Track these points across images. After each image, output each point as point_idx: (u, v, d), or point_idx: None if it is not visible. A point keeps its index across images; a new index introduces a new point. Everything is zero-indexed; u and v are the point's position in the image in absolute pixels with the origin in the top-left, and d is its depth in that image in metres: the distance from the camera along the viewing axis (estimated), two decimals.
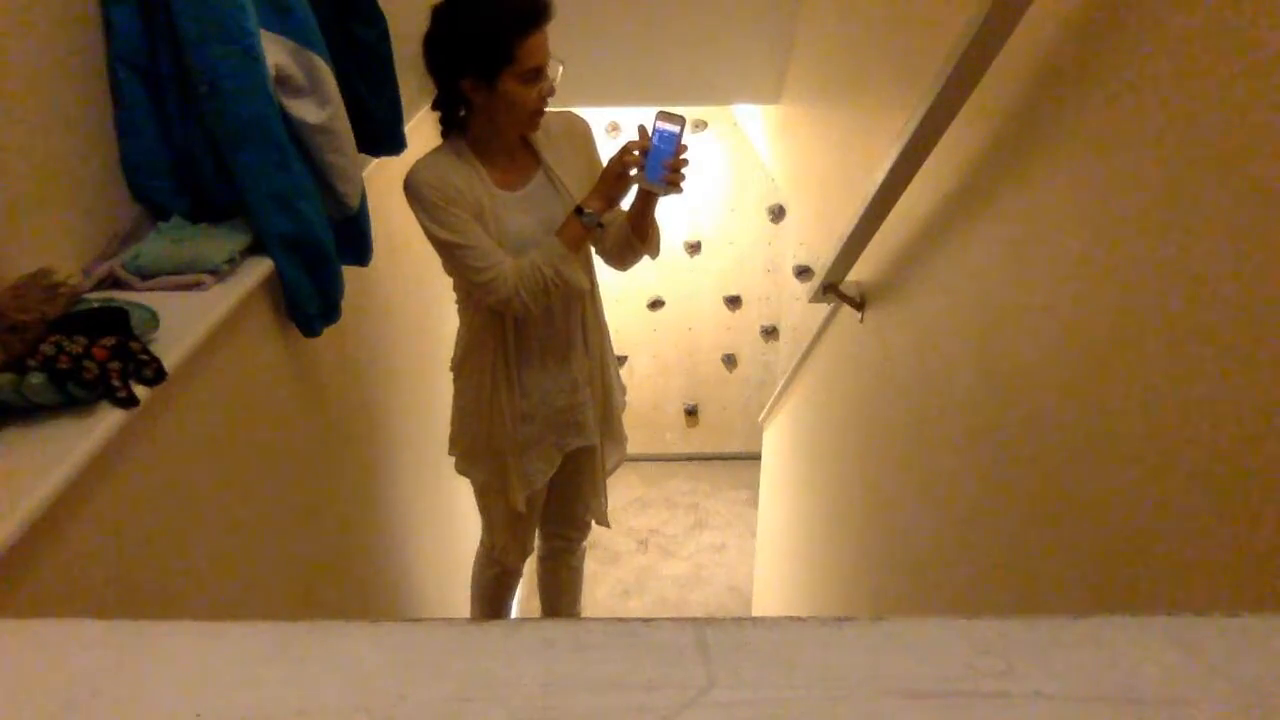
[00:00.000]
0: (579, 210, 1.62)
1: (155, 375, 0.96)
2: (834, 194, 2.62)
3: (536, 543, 2.30)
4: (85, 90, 1.16)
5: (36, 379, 0.87)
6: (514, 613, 2.96)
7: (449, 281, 1.79)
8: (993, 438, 1.33)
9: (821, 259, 2.15)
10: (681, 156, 1.56)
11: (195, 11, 1.16)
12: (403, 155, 1.86)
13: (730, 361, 5.54)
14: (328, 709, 0.38)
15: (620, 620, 0.42)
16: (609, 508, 2.18)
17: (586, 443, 1.97)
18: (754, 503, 4.59)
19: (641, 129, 1.59)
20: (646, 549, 4.93)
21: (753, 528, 4.63)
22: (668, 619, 0.42)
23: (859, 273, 2.06)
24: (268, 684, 0.39)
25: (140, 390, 0.94)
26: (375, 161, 1.89)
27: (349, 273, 1.57)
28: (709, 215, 5.15)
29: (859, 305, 2.09)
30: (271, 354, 1.43)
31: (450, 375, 1.95)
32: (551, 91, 1.58)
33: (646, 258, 1.79)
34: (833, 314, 2.42)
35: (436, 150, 1.65)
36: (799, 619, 0.42)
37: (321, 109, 1.36)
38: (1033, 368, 1.20)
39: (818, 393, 2.76)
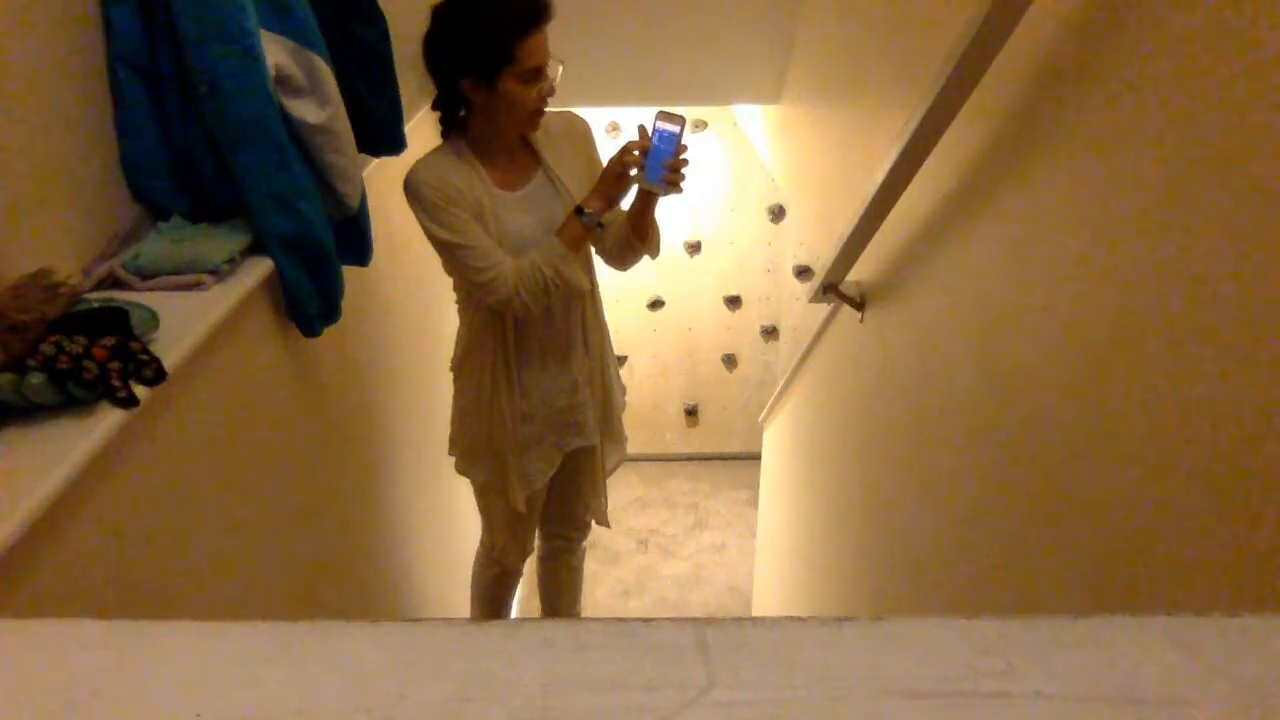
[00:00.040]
0: (579, 210, 1.62)
1: (155, 375, 0.96)
2: (834, 194, 2.62)
3: (536, 543, 2.30)
4: (85, 90, 1.16)
5: (36, 379, 0.87)
6: (514, 613, 2.96)
7: (449, 281, 1.79)
8: (993, 438, 1.33)
9: (821, 259, 2.15)
10: (681, 156, 1.56)
11: (195, 11, 1.16)
12: (403, 155, 1.86)
13: (730, 361, 5.54)
14: (328, 709, 0.38)
15: (620, 620, 0.42)
16: (609, 508, 2.18)
17: (586, 443, 1.97)
18: (754, 503, 4.59)
19: (641, 129, 1.59)
20: (646, 549, 4.93)
21: (753, 528, 4.63)
22: (668, 619, 0.42)
23: (859, 273, 2.06)
24: (268, 684, 0.39)
25: (140, 390, 0.94)
26: (375, 161, 1.89)
27: (349, 273, 1.57)
28: (709, 215, 5.15)
29: (859, 305, 2.09)
30: (271, 354, 1.43)
31: (450, 375, 1.95)
32: (551, 91, 1.58)
33: (646, 258, 1.79)
34: (833, 314, 2.42)
35: (436, 150, 1.65)
36: (799, 619, 0.42)
37: (321, 109, 1.36)
38: (1033, 368, 1.20)
39: (818, 393, 2.76)
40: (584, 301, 1.82)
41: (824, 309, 2.46)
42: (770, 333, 5.45)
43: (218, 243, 1.24)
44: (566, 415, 1.90)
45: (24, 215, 1.02)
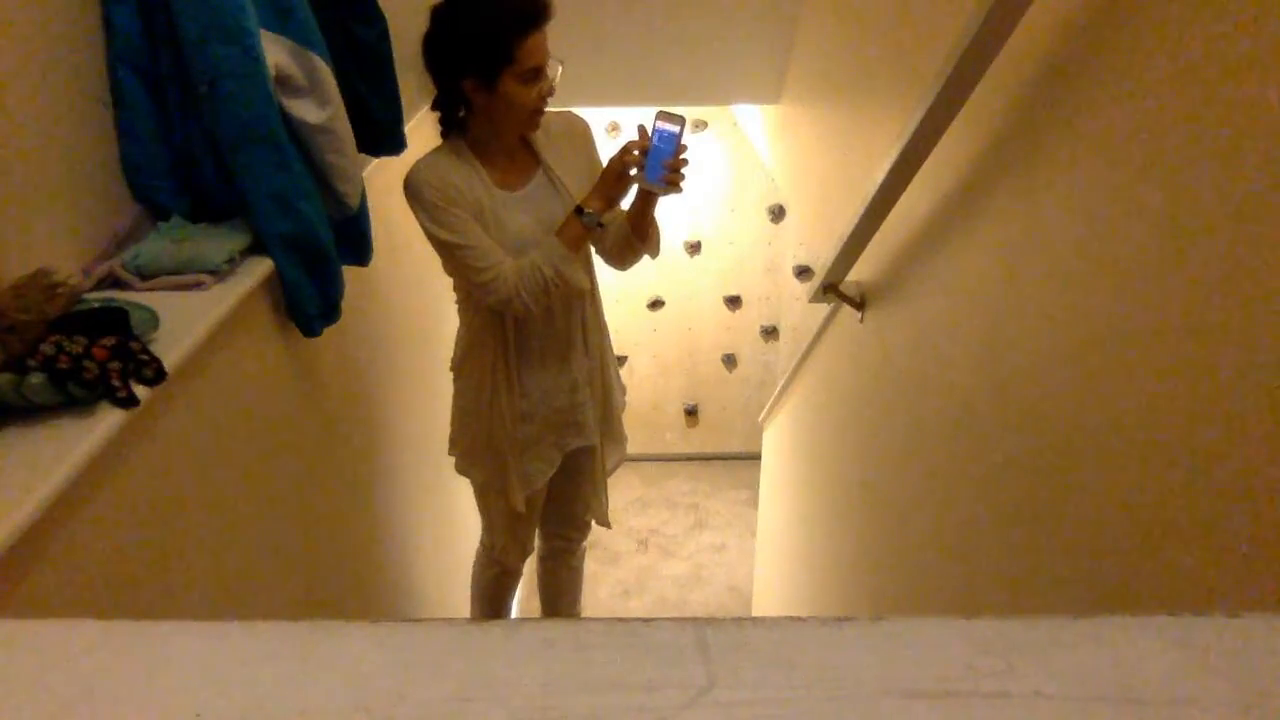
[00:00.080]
0: (579, 210, 1.62)
1: (155, 375, 0.96)
2: (834, 194, 2.62)
3: (536, 543, 2.30)
4: (85, 90, 1.16)
5: (36, 379, 0.87)
6: (514, 613, 2.96)
7: (449, 281, 1.79)
8: (993, 437, 1.33)
9: (821, 259, 2.15)
10: (681, 156, 1.57)
11: (195, 11, 1.16)
12: (403, 155, 1.86)
13: (730, 361, 5.54)
14: (328, 709, 0.38)
15: (620, 620, 0.42)
16: (609, 508, 2.18)
17: (586, 443, 1.97)
18: (754, 503, 4.59)
19: (641, 129, 1.59)
20: (646, 549, 4.93)
21: (753, 528, 4.63)
22: (668, 619, 0.42)
23: (859, 273, 2.06)
24: (268, 684, 0.39)
25: (140, 390, 0.94)
26: (375, 161, 1.89)
27: (349, 273, 1.57)
28: (709, 215, 5.15)
29: (859, 305, 2.09)
30: (271, 354, 1.43)
31: (450, 375, 1.95)
32: (551, 91, 1.58)
33: (646, 258, 1.79)
34: (833, 314, 2.42)
35: (436, 150, 1.65)
36: (799, 619, 0.42)
37: (321, 109, 1.36)
38: (1033, 367, 1.20)
39: (818, 393, 2.76)
40: (584, 301, 1.82)
41: (824, 309, 2.46)
42: (770, 333, 5.45)
43: (218, 243, 1.24)
44: (566, 415, 1.90)
45: (24, 215, 1.02)
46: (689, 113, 2.88)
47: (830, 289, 2.12)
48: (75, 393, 0.88)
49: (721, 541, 4.98)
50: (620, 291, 5.18)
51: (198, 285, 1.19)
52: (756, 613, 4.11)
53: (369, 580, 2.06)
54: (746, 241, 5.22)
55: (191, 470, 1.13)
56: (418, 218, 1.62)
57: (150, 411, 0.96)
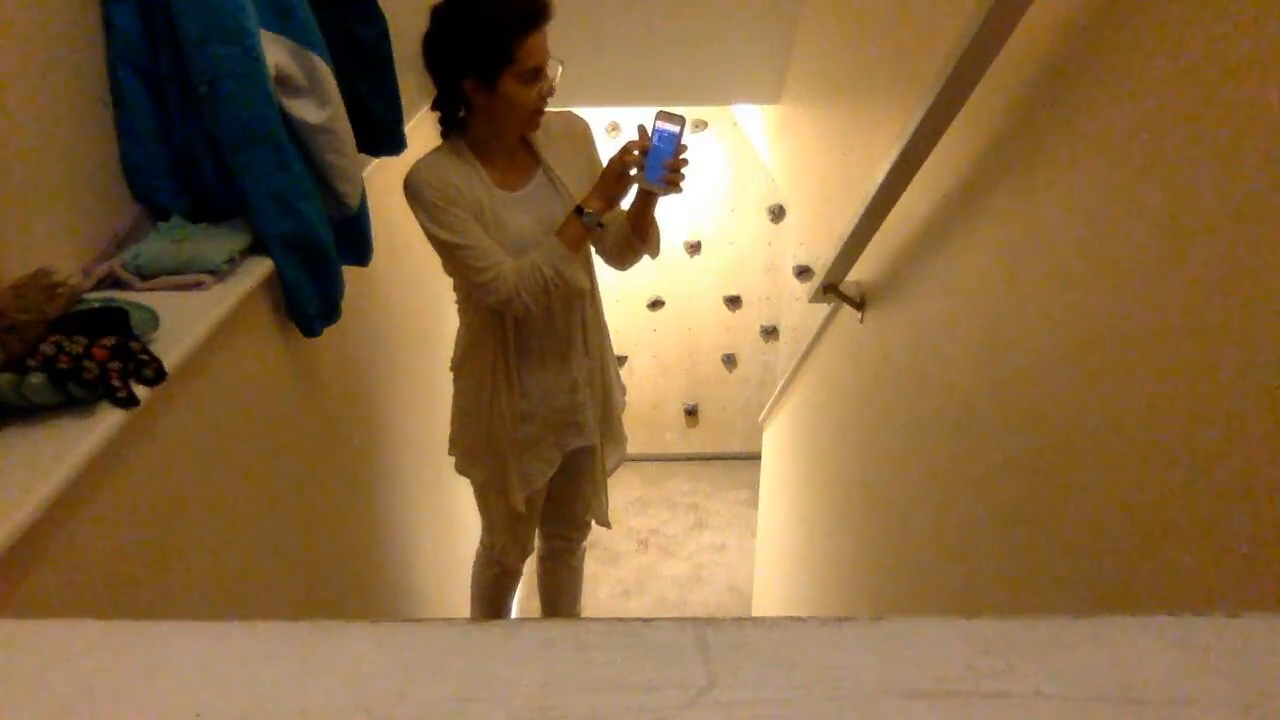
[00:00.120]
0: (579, 210, 1.62)
1: (155, 375, 0.96)
2: (834, 194, 2.62)
3: (536, 543, 2.30)
4: (85, 90, 1.16)
5: (36, 379, 0.87)
6: (514, 613, 2.96)
7: (449, 281, 1.79)
8: (993, 437, 1.33)
9: (821, 259, 2.15)
10: (681, 156, 1.57)
11: (195, 11, 1.16)
12: (403, 155, 1.86)
13: (730, 361, 5.54)
14: (328, 709, 0.38)
15: (620, 620, 0.42)
16: (609, 508, 2.17)
17: (586, 443, 1.97)
18: (754, 503, 4.59)
19: (641, 129, 1.59)
20: (646, 549, 4.93)
21: (753, 528, 4.63)
22: (668, 619, 0.42)
23: (859, 273, 2.06)
24: (268, 684, 0.39)
25: (140, 390, 0.94)
26: (375, 161, 1.89)
27: (349, 273, 1.57)
28: (709, 215, 5.15)
29: (859, 305, 2.09)
30: (271, 354, 1.43)
31: (450, 375, 1.95)
32: (551, 91, 1.58)
33: (646, 258, 1.79)
34: (833, 314, 2.42)
35: (436, 150, 1.65)
36: (799, 619, 0.42)
37: (321, 109, 1.36)
38: (1032, 367, 1.20)
39: (818, 393, 2.76)
40: (584, 301, 1.82)
41: (824, 309, 2.46)
42: (770, 333, 5.45)
43: (218, 243, 1.24)
44: (566, 415, 1.90)
45: (24, 215, 1.02)
46: (689, 113, 2.88)
47: (830, 289, 2.12)
48: (75, 393, 0.88)
49: (721, 541, 4.98)
50: (620, 291, 5.18)
51: (198, 285, 1.19)
52: (756, 613, 4.11)
53: (369, 580, 2.06)
54: (746, 241, 5.22)
55: (191, 470, 1.13)
56: (418, 218, 1.62)
57: (150, 411, 0.96)
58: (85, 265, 1.14)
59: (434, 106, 1.64)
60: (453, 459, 2.02)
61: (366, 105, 1.65)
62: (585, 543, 2.36)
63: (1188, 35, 0.88)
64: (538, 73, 1.53)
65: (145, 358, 0.97)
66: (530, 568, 2.54)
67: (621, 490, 5.28)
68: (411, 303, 2.51)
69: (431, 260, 1.73)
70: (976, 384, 1.39)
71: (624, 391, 2.10)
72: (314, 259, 1.40)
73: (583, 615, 2.78)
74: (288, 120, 1.31)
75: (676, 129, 1.55)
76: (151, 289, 1.16)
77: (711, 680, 0.39)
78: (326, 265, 1.44)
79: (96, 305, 1.01)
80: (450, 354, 1.94)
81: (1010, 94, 1.27)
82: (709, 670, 0.39)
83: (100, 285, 1.15)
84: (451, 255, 1.62)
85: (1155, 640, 0.40)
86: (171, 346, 1.03)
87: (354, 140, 1.47)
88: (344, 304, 1.56)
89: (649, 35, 3.05)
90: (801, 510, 3.00)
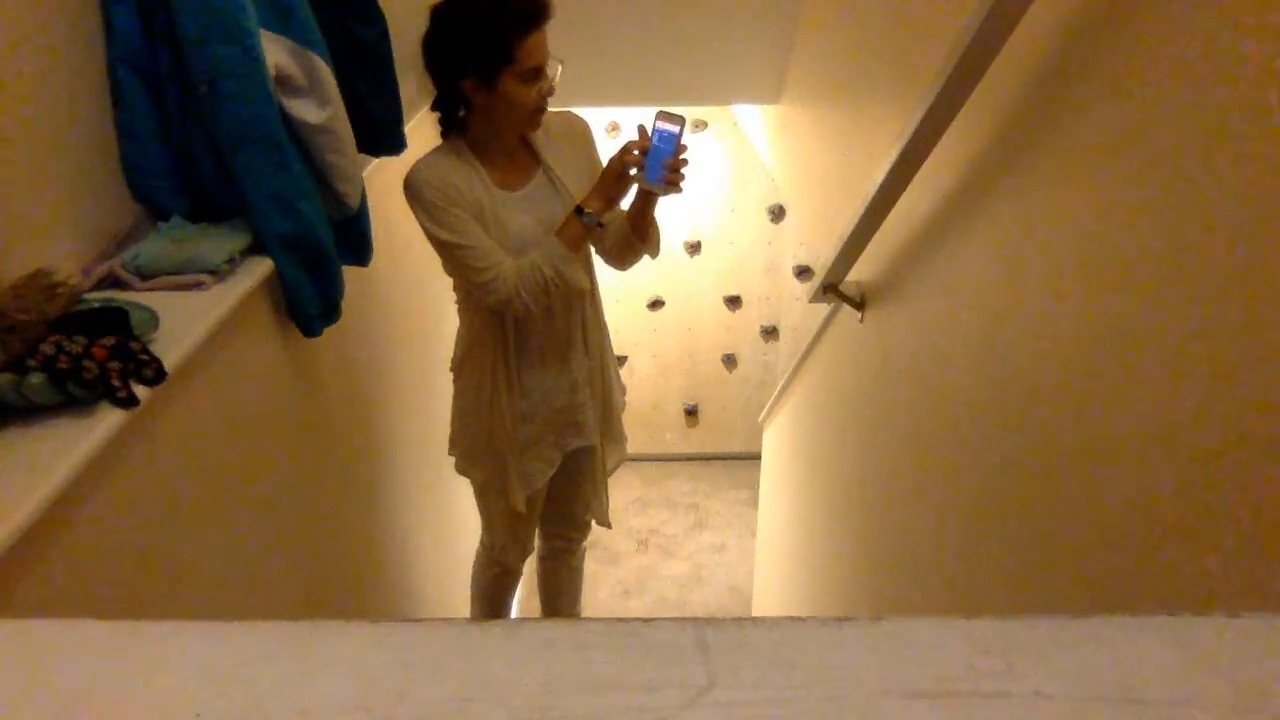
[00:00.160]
0: (579, 210, 1.62)
1: (155, 375, 0.96)
2: (834, 194, 2.62)
3: (536, 543, 2.30)
4: (85, 90, 1.16)
5: (36, 379, 0.87)
6: (514, 613, 2.96)
7: (449, 281, 1.79)
8: (993, 438, 1.33)
9: (821, 259, 2.15)
10: (681, 156, 1.56)
11: (195, 11, 1.16)
12: (403, 155, 1.86)
13: (730, 361, 5.54)
14: (328, 709, 0.38)
15: (620, 620, 0.42)
16: (609, 508, 2.18)
17: (586, 443, 1.97)
18: (754, 503, 4.59)
19: (641, 129, 1.59)
20: (646, 549, 4.93)
21: (753, 528, 4.63)
22: (668, 619, 0.42)
23: (859, 273, 2.06)
24: (268, 684, 0.39)
25: (140, 390, 0.94)
26: (375, 161, 1.89)
27: (349, 273, 1.57)
28: (709, 215, 5.15)
29: (859, 305, 2.09)
30: (271, 354, 1.43)
31: (450, 375, 1.95)
32: (551, 91, 1.58)
33: (646, 258, 1.79)
34: (833, 314, 2.42)
35: (436, 150, 1.65)
36: (799, 619, 0.42)
37: (321, 109, 1.36)
38: (1033, 367, 1.20)
39: (818, 393, 2.76)
40: (584, 301, 1.82)
41: (824, 309, 2.46)
42: (770, 333, 5.45)
43: (218, 243, 1.24)
44: (566, 415, 1.90)
45: (24, 215, 1.02)
46: (689, 113, 2.88)
47: (830, 289, 2.12)
48: (75, 393, 0.88)
49: (721, 541, 4.98)
50: (620, 291, 5.18)
51: (198, 285, 1.19)
52: (756, 613, 4.12)
53: (369, 580, 2.06)
54: (746, 241, 5.22)
55: (191, 470, 1.13)
56: (418, 218, 1.62)
57: (150, 411, 0.96)
58: (85, 265, 1.14)
59: (434, 106, 1.64)
60: (453, 459, 2.02)
61: (366, 105, 1.65)
62: (585, 543, 2.36)
63: (1187, 35, 0.88)
64: (538, 72, 1.53)
65: (145, 358, 0.97)
66: (530, 568, 2.54)
67: (621, 490, 5.28)
68: (411, 303, 2.51)
69: (431, 260, 1.73)
70: (976, 384, 1.39)
71: (624, 391, 2.10)
72: (314, 259, 1.40)
73: (583, 615, 2.78)
74: (288, 120, 1.31)
75: (676, 129, 1.55)
76: (151, 289, 1.16)
77: (711, 680, 0.39)
78: (326, 265, 1.44)
79: (96, 305, 1.01)
80: (450, 354, 1.94)
81: (1010, 94, 1.27)
82: (709, 670, 0.39)
83: (100, 285, 1.15)
84: (451, 255, 1.62)
85: (1155, 640, 0.40)
86: (171, 346, 1.03)
87: (354, 140, 1.47)
88: (344, 304, 1.56)
89: (649, 35, 3.05)
90: (801, 510, 3.00)
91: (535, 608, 2.85)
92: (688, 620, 0.42)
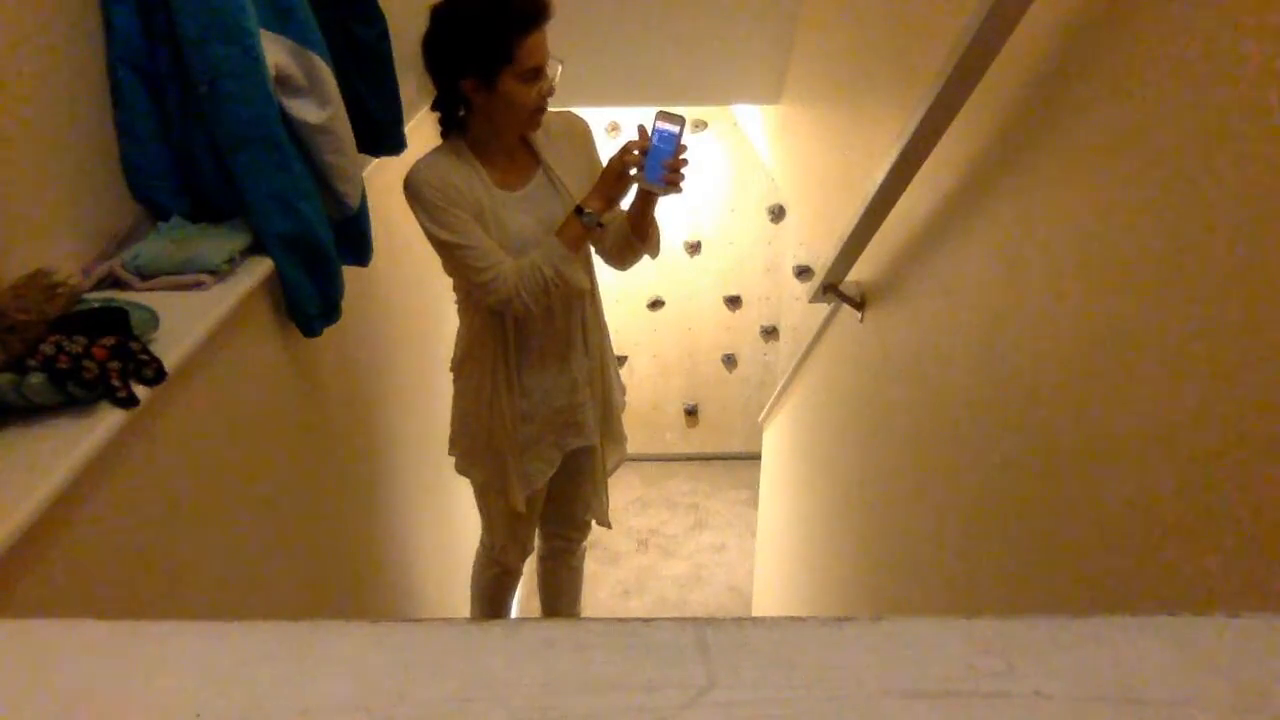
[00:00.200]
0: (579, 210, 1.62)
1: (155, 375, 0.96)
2: (834, 194, 2.62)
3: (536, 543, 2.30)
4: (85, 90, 1.16)
5: (36, 379, 0.87)
6: (514, 613, 2.96)
7: (449, 281, 1.79)
8: (993, 438, 1.33)
9: (821, 259, 2.15)
10: (681, 156, 1.56)
11: (195, 11, 1.16)
12: (403, 155, 1.86)
13: (730, 361, 5.54)
14: (328, 709, 0.38)
15: (620, 620, 0.42)
16: (609, 508, 2.17)
17: (586, 443, 1.97)
18: (754, 503, 4.59)
19: (641, 129, 1.59)
20: (646, 549, 4.93)
21: (753, 528, 4.63)
22: (668, 619, 0.42)
23: (859, 273, 2.06)
24: (267, 684, 0.39)
25: (140, 390, 0.94)
26: (375, 161, 1.90)
27: (349, 273, 1.57)
28: (709, 215, 5.15)
29: (859, 305, 2.09)
30: (271, 354, 1.43)
31: (450, 375, 1.95)
32: (551, 91, 1.58)
33: (646, 257, 1.79)
34: (833, 314, 2.42)
35: (436, 150, 1.65)
36: (799, 619, 0.42)
37: (321, 109, 1.36)
38: (1033, 367, 1.20)
39: (818, 393, 2.76)
40: (584, 301, 1.82)
41: (824, 309, 2.46)
42: (770, 333, 5.45)
43: (218, 243, 1.24)
44: (566, 415, 1.90)
45: (24, 216, 1.02)
46: (689, 113, 2.88)
47: (830, 289, 2.12)
48: (75, 393, 0.88)
49: (721, 541, 4.98)
50: (620, 291, 5.18)
51: (198, 285, 1.19)
52: (756, 613, 4.12)
53: (369, 580, 2.06)
54: (746, 241, 5.22)
55: (191, 470, 1.13)
56: (418, 218, 1.62)
57: (150, 411, 0.96)
58: (85, 265, 1.14)
59: (434, 106, 1.64)
60: (453, 459, 2.02)
61: (366, 105, 1.65)
62: (585, 543, 2.36)
63: (1187, 35, 0.88)
64: (538, 72, 1.53)
65: (145, 358, 0.97)
66: (530, 568, 2.54)
67: (621, 490, 5.28)
68: (411, 303, 2.51)
69: (431, 260, 1.73)
70: (976, 384, 1.39)
71: (624, 391, 2.10)
72: (314, 259, 1.40)
73: (583, 615, 2.78)
74: (288, 120, 1.31)
75: (676, 129, 1.55)
76: (151, 289, 1.16)
77: (711, 680, 0.39)
78: (326, 265, 1.44)
79: (96, 305, 1.01)
80: (450, 354, 1.94)
81: (1010, 94, 1.27)
82: (709, 670, 0.39)
83: (100, 285, 1.15)
84: (451, 255, 1.62)
85: (1155, 640, 0.40)
86: (171, 346, 1.03)
87: (354, 140, 1.47)
88: (344, 304, 1.56)
89: (649, 35, 3.05)
90: (801, 510, 3.00)
91: (535, 608, 2.85)
92: (688, 620, 0.42)
